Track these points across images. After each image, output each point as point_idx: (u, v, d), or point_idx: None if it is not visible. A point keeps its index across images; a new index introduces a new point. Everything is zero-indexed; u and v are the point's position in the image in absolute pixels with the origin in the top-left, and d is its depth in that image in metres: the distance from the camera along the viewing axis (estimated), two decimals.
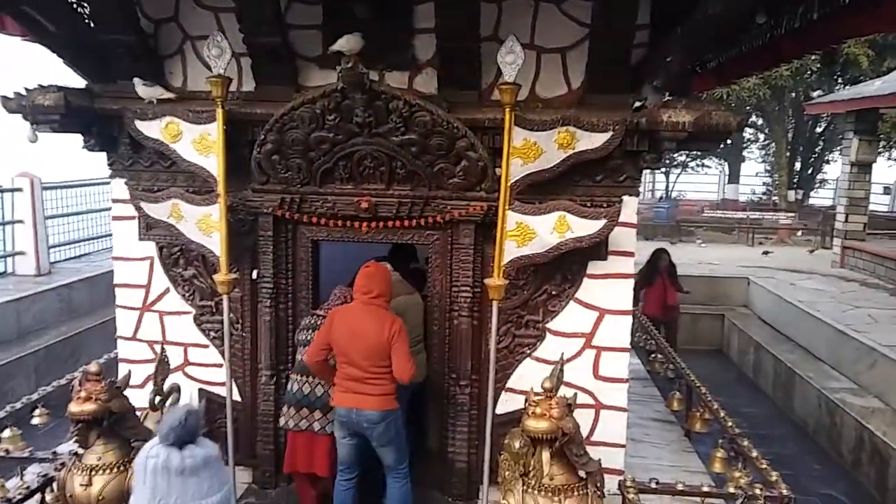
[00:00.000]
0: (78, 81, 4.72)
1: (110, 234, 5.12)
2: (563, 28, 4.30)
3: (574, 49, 4.33)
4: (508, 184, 4.04)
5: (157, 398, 4.31)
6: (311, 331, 4.43)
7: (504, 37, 3.86)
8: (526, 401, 3.43)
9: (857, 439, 7.35)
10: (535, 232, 4.15)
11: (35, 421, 5.06)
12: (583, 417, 4.19)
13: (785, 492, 3.94)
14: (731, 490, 4.01)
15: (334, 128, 4.18)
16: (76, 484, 3.55)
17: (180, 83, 4.73)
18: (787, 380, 9.08)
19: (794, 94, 21.10)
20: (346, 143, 4.26)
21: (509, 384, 4.69)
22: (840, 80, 20.10)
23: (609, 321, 4.60)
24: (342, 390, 4.09)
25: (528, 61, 3.98)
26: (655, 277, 9.09)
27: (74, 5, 4.36)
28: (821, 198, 24.89)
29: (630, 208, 4.44)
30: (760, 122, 23.98)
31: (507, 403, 4.66)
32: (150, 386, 4.33)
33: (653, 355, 7.32)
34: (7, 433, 4.69)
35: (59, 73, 4.82)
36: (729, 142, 23.73)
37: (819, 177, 24.84)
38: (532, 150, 4.09)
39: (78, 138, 4.79)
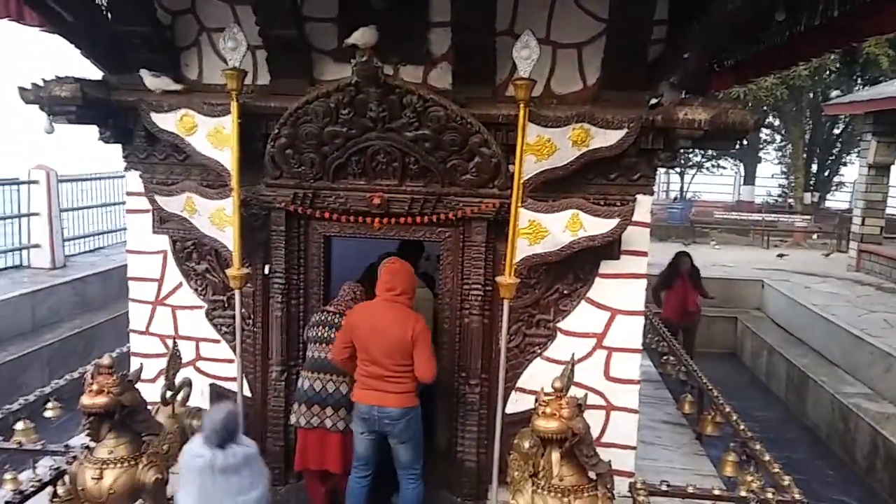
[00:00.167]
0: (95, 73, 4.74)
1: (125, 228, 5.13)
2: (580, 23, 4.26)
3: (590, 44, 4.29)
4: (521, 181, 4.02)
5: (169, 392, 4.32)
6: (321, 327, 4.43)
7: (520, 31, 3.84)
8: (536, 401, 3.40)
9: (871, 445, 7.26)
10: (547, 230, 4.12)
11: (48, 414, 5.08)
12: (593, 418, 4.15)
13: (797, 496, 3.88)
14: (743, 494, 3.96)
15: (348, 122, 4.17)
16: (88, 477, 3.55)
17: (196, 75, 4.73)
18: (800, 384, 8.99)
19: (812, 95, 20.91)
20: (359, 137, 4.25)
21: (519, 384, 4.66)
22: (859, 81, 19.88)
23: (621, 322, 4.56)
24: (363, 387, 4.09)
25: (543, 56, 3.95)
26: (675, 281, 8.74)
27: None
28: (837, 200, 24.63)
29: (644, 207, 4.40)
30: (777, 122, 23.76)
31: (517, 403, 4.63)
32: (161, 380, 4.35)
33: (665, 357, 7.25)
34: (20, 426, 4.72)
35: (77, 65, 4.84)
36: (745, 142, 23.51)
37: (836, 179, 24.59)
38: (546, 147, 4.05)
39: (94, 130, 4.80)
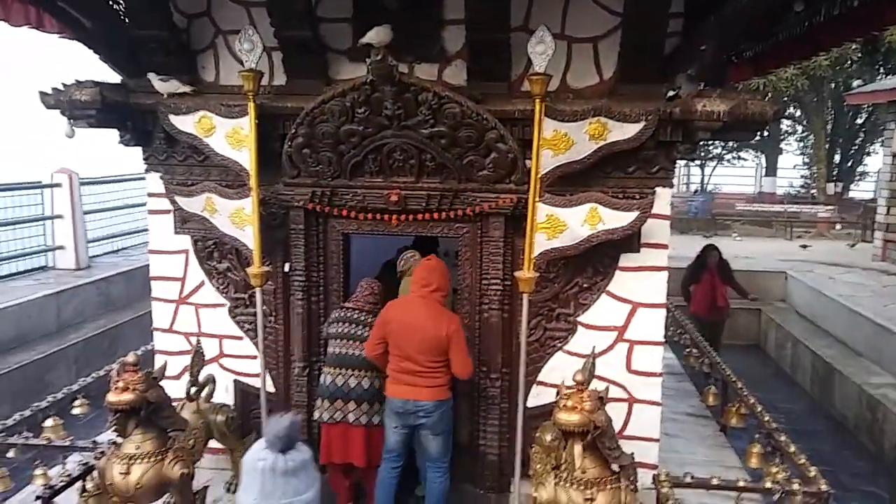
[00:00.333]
0: (114, 77, 4.80)
1: (147, 229, 5.19)
2: (595, 17, 4.24)
3: (606, 38, 4.28)
4: (538, 176, 4.01)
5: (193, 389, 4.39)
6: (341, 323, 4.46)
7: (534, 27, 3.82)
8: (557, 394, 3.40)
9: None
10: (565, 224, 4.12)
11: (76, 411, 5.17)
12: (615, 411, 4.15)
13: (824, 487, 3.85)
14: (768, 485, 3.93)
15: (364, 121, 4.19)
16: (115, 472, 3.61)
17: (213, 78, 4.78)
18: (825, 375, 8.89)
19: (833, 85, 20.62)
20: (375, 135, 4.27)
21: (540, 377, 4.67)
22: (882, 70, 19.54)
23: (642, 314, 4.55)
24: (397, 382, 4.14)
25: (558, 51, 3.94)
26: (703, 275, 8.52)
27: (109, 0, 4.43)
28: (861, 190, 24.28)
29: (663, 200, 4.37)
30: (798, 113, 23.45)
31: (539, 397, 4.64)
32: (186, 377, 4.41)
33: (688, 350, 7.21)
34: (49, 423, 4.79)
35: (96, 69, 4.91)
36: (766, 133, 23.29)
37: (859, 169, 24.23)
38: (562, 142, 4.05)
39: (114, 134, 4.87)
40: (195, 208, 4.63)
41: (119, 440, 3.70)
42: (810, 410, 8.72)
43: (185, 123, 4.48)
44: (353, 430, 4.33)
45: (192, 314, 5.08)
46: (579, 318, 4.61)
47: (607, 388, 3.53)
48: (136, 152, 4.98)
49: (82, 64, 5.42)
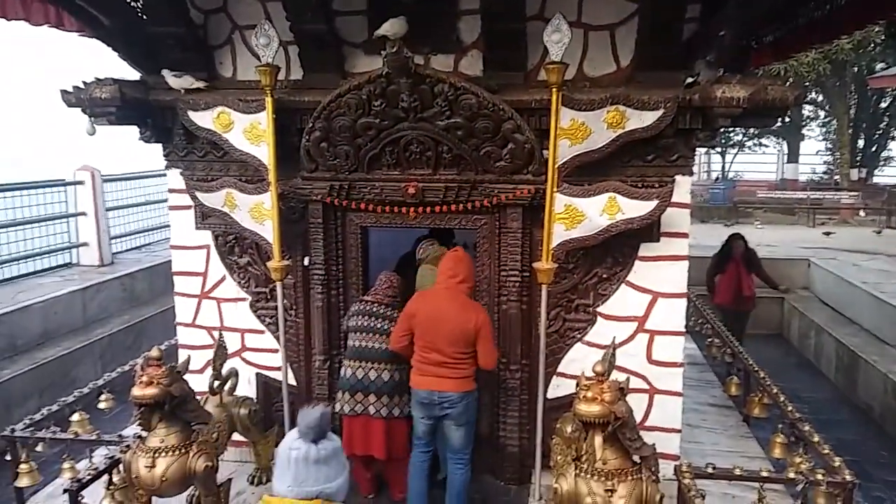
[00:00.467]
0: (133, 74, 4.84)
1: (168, 225, 5.24)
2: (611, 4, 4.20)
3: (623, 25, 4.24)
4: (556, 166, 3.99)
5: (216, 382, 4.43)
6: (360, 317, 4.48)
7: (550, 15, 3.79)
8: (577, 385, 3.39)
9: None
10: (584, 214, 4.10)
11: (101, 405, 5.24)
12: (637, 402, 4.14)
13: (848, 477, 3.80)
14: (791, 475, 3.89)
15: (380, 113, 4.19)
16: (141, 465, 3.67)
17: (230, 73, 4.81)
18: (850, 363, 8.77)
19: (856, 69, 20.23)
20: (392, 128, 4.27)
21: (560, 369, 4.66)
22: None
23: (662, 304, 4.52)
24: (422, 373, 4.15)
25: (575, 39, 3.90)
26: (728, 264, 8.25)
27: None
28: (886, 176, 23.86)
29: (683, 188, 4.34)
30: (821, 98, 23.07)
31: (559, 388, 4.64)
32: (209, 371, 4.46)
33: (710, 340, 7.14)
34: (76, 417, 4.88)
35: (116, 67, 4.95)
36: (788, 119, 22.96)
37: (883, 154, 23.80)
38: (580, 131, 4.02)
39: (134, 130, 4.92)
40: (215, 204, 4.67)
41: (144, 434, 3.76)
42: (834, 399, 8.60)
43: (203, 119, 4.51)
44: (373, 423, 4.36)
45: (215, 308, 5.14)
46: (599, 309, 4.60)
47: (628, 379, 3.50)
48: (157, 149, 5.02)
49: (103, 62, 5.48)
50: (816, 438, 4.26)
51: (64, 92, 4.55)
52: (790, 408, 4.78)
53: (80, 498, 3.90)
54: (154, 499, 3.84)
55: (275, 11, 4.38)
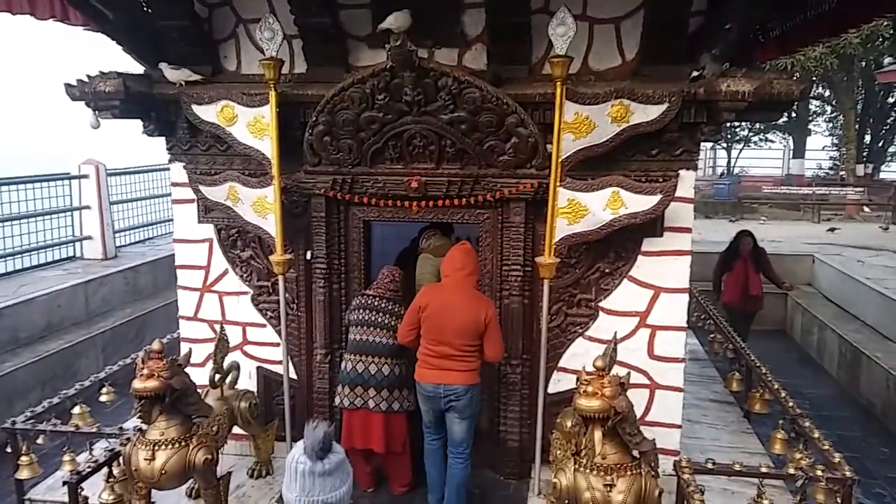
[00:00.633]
0: (138, 68, 4.84)
1: (172, 219, 5.25)
2: None
3: (628, 19, 4.22)
4: (560, 160, 3.98)
5: (218, 376, 4.43)
6: (362, 310, 4.48)
7: (555, 8, 3.79)
8: (578, 380, 3.39)
9: None
10: (587, 208, 4.09)
11: (103, 398, 5.25)
12: (637, 397, 4.13)
13: (848, 473, 3.79)
14: (791, 471, 3.88)
15: (384, 107, 4.18)
16: (140, 458, 3.68)
17: (234, 67, 4.81)
18: (853, 360, 8.74)
19: (863, 63, 20.09)
20: (395, 122, 4.26)
21: (561, 363, 4.66)
22: None
23: (665, 299, 4.51)
24: (428, 367, 4.17)
25: (580, 33, 3.90)
26: (736, 262, 7.97)
27: None
28: (892, 171, 23.75)
29: (687, 183, 4.33)
30: (828, 93, 22.94)
31: (560, 383, 4.64)
32: (210, 364, 4.46)
33: (712, 336, 7.13)
34: (77, 410, 4.88)
35: (121, 61, 4.96)
36: (794, 114, 22.85)
37: (890, 149, 23.66)
38: (584, 125, 4.00)
39: (138, 124, 4.91)
40: (218, 197, 4.67)
41: (144, 427, 3.76)
42: (837, 396, 8.58)
43: (207, 113, 4.51)
44: (373, 417, 4.37)
45: (217, 302, 5.14)
46: (601, 304, 4.59)
47: (628, 374, 3.50)
48: (161, 143, 5.02)
49: (108, 56, 5.47)
50: (817, 434, 4.25)
51: (68, 86, 4.56)
52: (791, 404, 4.77)
53: (79, 490, 3.91)
54: (154, 491, 3.85)
55: (279, 5, 4.36)
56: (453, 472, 4.27)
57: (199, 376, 4.29)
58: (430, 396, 4.17)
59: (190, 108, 4.53)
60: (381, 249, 5.57)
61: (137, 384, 3.53)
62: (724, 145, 26.94)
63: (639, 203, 4.06)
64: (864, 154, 22.01)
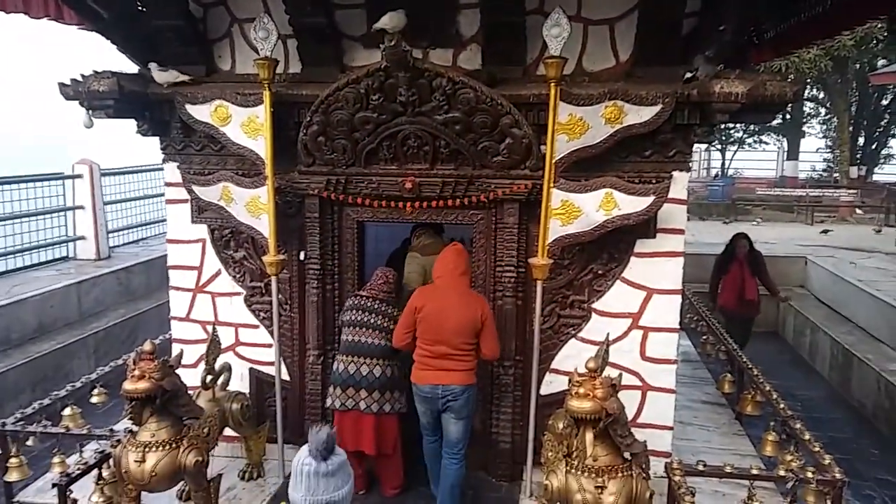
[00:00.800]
0: (132, 68, 4.82)
1: (165, 220, 5.23)
2: None
3: (622, 20, 4.23)
4: (553, 161, 3.99)
5: (209, 377, 4.41)
6: (355, 311, 4.47)
7: (550, 9, 3.80)
8: (570, 381, 3.39)
9: None
10: (580, 210, 4.09)
11: (94, 400, 5.23)
12: (629, 399, 4.14)
13: (838, 475, 3.80)
14: (782, 473, 3.89)
15: (378, 107, 4.18)
16: (131, 460, 3.65)
17: (229, 66, 4.80)
18: (844, 362, 8.78)
19: (857, 66, 20.18)
20: (389, 122, 4.26)
21: (554, 365, 4.66)
22: None
23: (657, 301, 4.52)
24: (425, 368, 4.17)
25: (574, 34, 3.91)
26: (731, 265, 7.77)
27: None
28: (886, 174, 23.85)
29: (680, 184, 4.33)
30: (822, 95, 23.05)
31: (552, 385, 4.63)
32: (202, 365, 4.44)
33: (704, 337, 7.14)
34: (67, 411, 4.85)
35: (116, 61, 4.94)
36: (788, 116, 22.94)
37: (884, 151, 23.79)
38: (578, 126, 4.01)
39: (132, 124, 4.89)
40: (212, 197, 4.65)
41: (135, 428, 3.74)
42: (828, 398, 8.61)
43: (201, 113, 4.50)
44: (364, 418, 4.35)
45: (209, 303, 5.13)
46: (594, 305, 4.59)
47: (620, 376, 3.50)
48: (155, 143, 5.00)
49: (103, 55, 5.46)
50: (807, 436, 4.26)
51: (62, 85, 4.53)
52: (782, 405, 4.78)
53: (69, 493, 3.88)
54: (144, 494, 3.84)
55: (274, 5, 4.36)
56: (448, 472, 4.27)
57: (191, 377, 4.28)
58: (428, 398, 4.17)
59: (184, 107, 4.52)
60: (375, 250, 5.56)
61: (128, 385, 3.51)
62: (718, 147, 27.05)
63: (632, 204, 4.07)
64: (858, 156, 22.11)
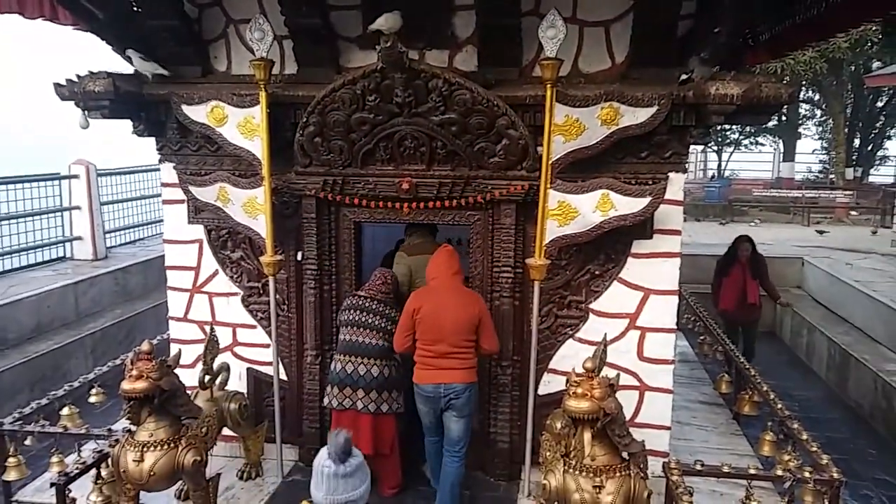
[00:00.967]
0: (128, 68, 4.82)
1: (162, 220, 5.23)
2: (607, 0, 4.19)
3: (618, 22, 4.24)
4: (550, 162, 4.00)
5: (207, 377, 4.42)
6: (353, 311, 4.48)
7: (545, 11, 3.81)
8: (567, 381, 3.40)
9: None
10: (577, 211, 4.10)
11: (92, 399, 5.23)
12: (627, 399, 4.15)
13: (835, 475, 3.82)
14: (779, 472, 3.91)
15: (375, 108, 4.19)
16: (129, 459, 3.66)
17: (225, 67, 4.80)
18: (841, 362, 8.80)
19: (853, 67, 20.23)
20: (386, 123, 4.27)
21: (551, 365, 4.67)
22: None
23: (654, 301, 4.53)
24: (427, 367, 4.19)
25: (570, 35, 3.92)
26: (733, 268, 7.60)
27: None
28: (881, 175, 23.93)
29: (676, 185, 4.35)
30: (817, 97, 23.10)
31: (550, 385, 4.64)
32: (200, 365, 4.44)
33: (702, 338, 7.15)
34: (66, 411, 4.86)
35: (112, 61, 4.93)
36: (784, 118, 22.99)
37: (879, 153, 23.86)
38: (574, 127, 4.02)
39: (128, 125, 4.89)
40: (209, 198, 4.66)
41: (133, 428, 3.74)
42: (825, 398, 8.62)
43: (197, 113, 4.50)
44: (361, 418, 4.36)
45: (207, 303, 5.13)
46: (591, 306, 4.60)
47: (618, 376, 3.53)
48: (152, 143, 5.00)
49: (98, 56, 5.45)
50: (805, 436, 4.28)
51: (58, 85, 4.53)
52: (780, 405, 4.80)
53: (67, 492, 3.89)
54: (142, 493, 3.84)
55: (269, 5, 4.36)
56: (448, 470, 4.28)
57: (189, 377, 4.28)
58: (430, 397, 4.18)
59: (180, 108, 4.52)
60: (372, 250, 5.56)
61: (126, 385, 3.52)
62: (715, 148, 27.10)
63: (628, 205, 4.08)
64: (854, 158, 22.19)
